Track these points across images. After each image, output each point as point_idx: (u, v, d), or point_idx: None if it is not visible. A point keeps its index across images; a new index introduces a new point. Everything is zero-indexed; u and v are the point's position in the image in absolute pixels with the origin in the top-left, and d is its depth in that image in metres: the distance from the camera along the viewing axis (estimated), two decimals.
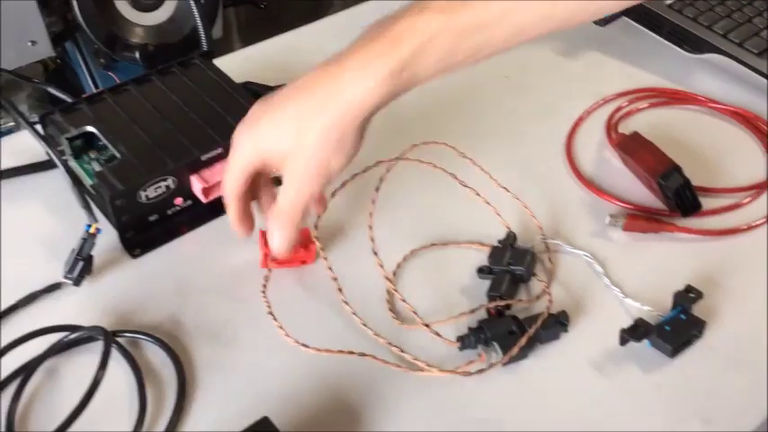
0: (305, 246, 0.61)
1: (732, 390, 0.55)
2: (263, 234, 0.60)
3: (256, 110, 0.55)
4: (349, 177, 0.66)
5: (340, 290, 0.58)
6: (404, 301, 0.58)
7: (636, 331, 0.55)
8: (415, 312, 0.57)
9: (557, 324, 0.56)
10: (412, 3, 0.50)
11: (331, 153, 0.52)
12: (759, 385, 0.55)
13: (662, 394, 0.54)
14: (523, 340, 0.54)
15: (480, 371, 0.54)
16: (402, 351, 0.55)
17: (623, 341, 0.55)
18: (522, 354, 0.55)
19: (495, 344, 0.55)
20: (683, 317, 0.57)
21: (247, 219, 0.59)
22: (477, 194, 0.66)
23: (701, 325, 0.57)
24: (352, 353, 0.55)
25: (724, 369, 0.56)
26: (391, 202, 0.66)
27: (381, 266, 0.60)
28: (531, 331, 0.55)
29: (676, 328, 0.56)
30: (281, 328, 0.56)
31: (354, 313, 0.57)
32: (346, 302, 0.57)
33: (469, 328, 0.56)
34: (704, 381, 0.55)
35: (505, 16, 0.50)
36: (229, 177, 0.56)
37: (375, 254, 0.60)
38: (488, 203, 0.65)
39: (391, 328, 0.57)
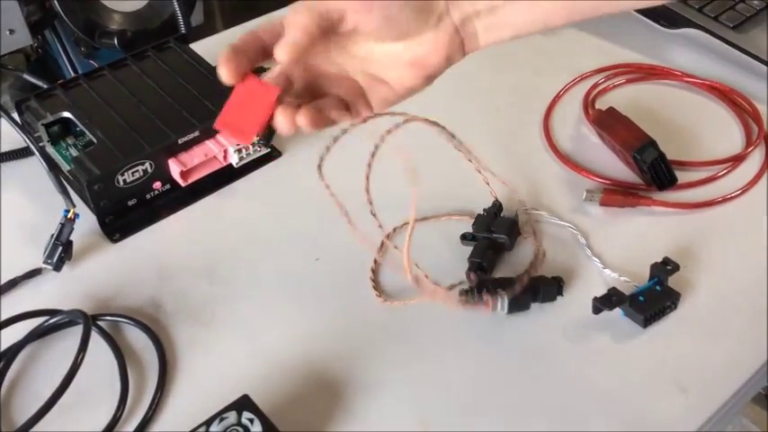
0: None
1: (707, 359, 0.55)
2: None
3: None
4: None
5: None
6: (417, 266, 0.55)
7: (608, 300, 0.56)
8: (426, 276, 0.56)
9: (555, 284, 0.58)
10: None
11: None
12: (734, 355, 0.56)
13: (638, 363, 0.55)
14: (525, 278, 0.56)
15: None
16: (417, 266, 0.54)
17: (596, 310, 0.56)
18: (525, 303, 0.57)
19: (500, 290, 0.56)
20: (658, 288, 0.58)
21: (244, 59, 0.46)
22: (470, 160, 0.62)
23: (675, 296, 0.57)
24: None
25: (699, 339, 0.57)
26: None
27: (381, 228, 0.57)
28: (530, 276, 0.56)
29: (650, 298, 0.57)
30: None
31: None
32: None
33: (470, 284, 0.57)
34: (680, 351, 0.56)
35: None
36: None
37: (374, 215, 0.56)
38: (480, 172, 0.63)
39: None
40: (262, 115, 0.46)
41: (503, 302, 0.56)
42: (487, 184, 0.64)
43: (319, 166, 0.54)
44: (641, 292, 0.57)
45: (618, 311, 0.57)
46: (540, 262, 0.60)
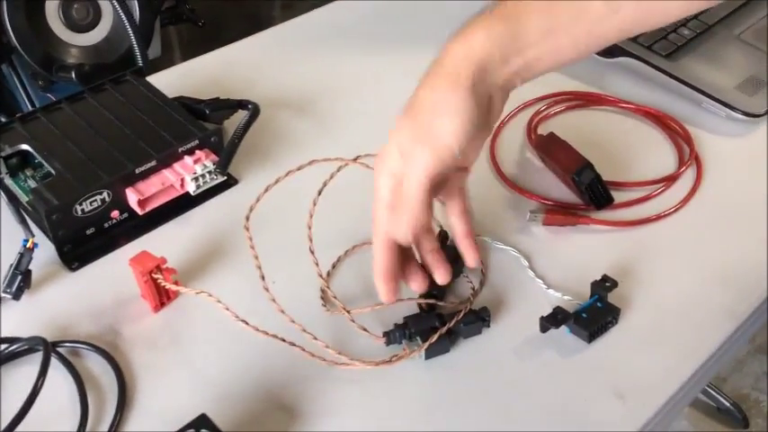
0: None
1: (644, 369, 0.58)
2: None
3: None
4: (284, 174, 0.71)
5: (266, 289, 0.61)
6: (335, 298, 0.61)
7: (554, 318, 0.59)
8: (347, 311, 0.60)
9: (478, 320, 0.60)
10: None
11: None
12: (670, 363, 0.59)
13: (580, 375, 0.58)
14: (444, 329, 0.58)
15: (396, 357, 0.57)
16: (327, 346, 0.58)
17: (543, 328, 0.59)
18: (443, 347, 0.58)
19: (418, 338, 0.58)
20: (599, 305, 0.61)
21: (395, 277, 0.56)
22: None
23: (615, 312, 0.61)
24: (283, 340, 0.58)
25: (636, 350, 0.60)
26: (326, 202, 0.69)
27: (317, 265, 0.63)
28: (450, 324, 0.58)
29: (593, 315, 0.60)
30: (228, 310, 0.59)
31: (282, 311, 0.59)
32: (274, 300, 0.60)
33: (395, 324, 0.59)
34: (618, 362, 0.59)
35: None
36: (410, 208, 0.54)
37: (312, 252, 0.63)
38: None
39: (322, 320, 0.61)
40: None
41: (420, 353, 0.58)
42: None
43: (247, 217, 0.66)
44: (584, 309, 0.60)
45: (563, 329, 0.60)
46: (479, 292, 0.63)
